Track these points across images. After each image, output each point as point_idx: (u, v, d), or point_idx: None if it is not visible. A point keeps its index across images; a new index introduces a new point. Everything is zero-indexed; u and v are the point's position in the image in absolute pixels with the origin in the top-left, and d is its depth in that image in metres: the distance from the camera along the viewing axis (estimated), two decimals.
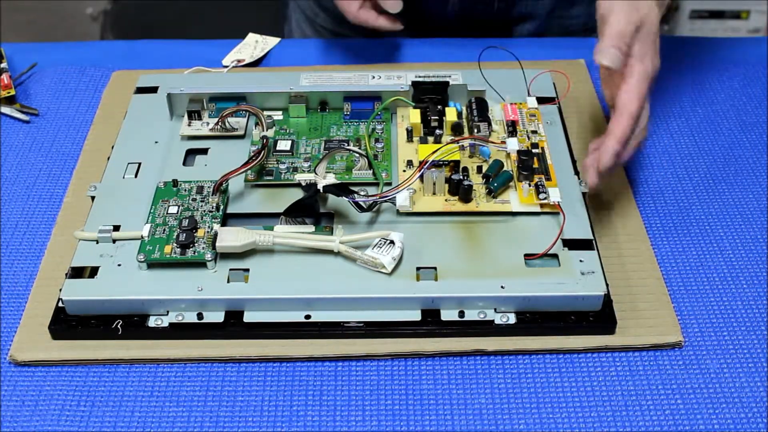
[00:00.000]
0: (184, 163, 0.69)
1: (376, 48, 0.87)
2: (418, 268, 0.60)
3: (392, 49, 0.87)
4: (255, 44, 0.87)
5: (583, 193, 0.65)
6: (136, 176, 0.68)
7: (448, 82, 0.72)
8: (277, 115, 0.73)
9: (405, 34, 0.85)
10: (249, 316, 0.59)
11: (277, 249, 0.61)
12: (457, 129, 0.69)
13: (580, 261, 0.60)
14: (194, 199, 0.64)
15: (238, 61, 0.84)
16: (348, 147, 0.67)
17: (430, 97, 0.71)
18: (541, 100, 0.73)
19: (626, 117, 0.60)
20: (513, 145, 0.67)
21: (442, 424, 0.54)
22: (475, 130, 0.69)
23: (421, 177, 0.64)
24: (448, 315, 0.58)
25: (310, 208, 0.63)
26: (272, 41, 0.88)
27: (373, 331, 0.58)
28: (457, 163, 0.65)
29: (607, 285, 0.59)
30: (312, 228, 0.63)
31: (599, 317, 0.59)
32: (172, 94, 0.72)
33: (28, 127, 0.78)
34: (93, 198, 0.66)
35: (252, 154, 0.67)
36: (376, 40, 0.90)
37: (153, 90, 0.77)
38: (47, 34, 1.74)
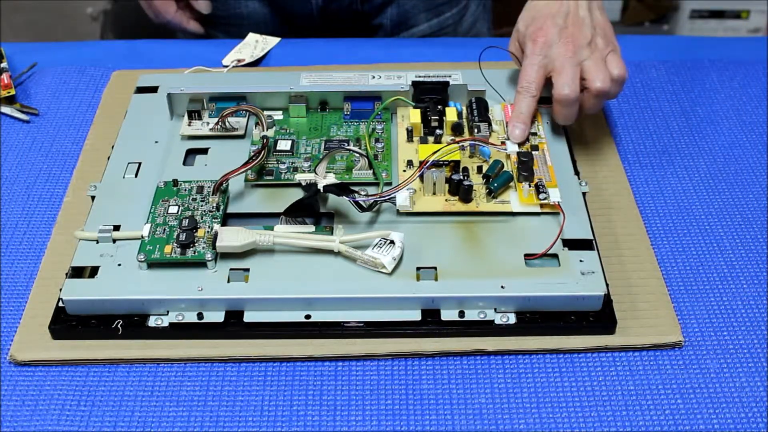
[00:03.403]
0: (184, 163, 0.69)
1: (376, 48, 0.87)
2: (418, 268, 0.60)
3: (392, 49, 0.87)
4: (255, 44, 0.87)
5: (583, 193, 0.65)
6: (136, 176, 0.68)
7: (448, 82, 0.72)
8: (278, 115, 0.73)
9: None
10: (249, 316, 0.59)
11: (277, 249, 0.61)
12: (457, 129, 0.69)
13: (580, 261, 0.60)
14: (194, 199, 0.64)
15: (238, 60, 0.84)
16: (348, 147, 0.67)
17: (430, 97, 0.71)
18: (542, 101, 0.73)
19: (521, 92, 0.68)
20: (513, 145, 0.67)
21: (442, 424, 0.54)
22: (476, 131, 0.69)
23: (421, 177, 0.64)
24: (448, 315, 0.58)
25: (310, 208, 0.63)
26: (272, 41, 0.88)
27: (373, 331, 0.58)
28: (457, 163, 0.65)
29: (607, 285, 0.59)
30: (312, 228, 0.63)
31: (599, 317, 0.59)
32: (172, 93, 0.72)
33: (28, 127, 0.77)
34: (93, 198, 0.66)
35: (252, 154, 0.67)
36: (377, 40, 0.90)
37: (153, 90, 0.77)
38: (47, 34, 1.73)
